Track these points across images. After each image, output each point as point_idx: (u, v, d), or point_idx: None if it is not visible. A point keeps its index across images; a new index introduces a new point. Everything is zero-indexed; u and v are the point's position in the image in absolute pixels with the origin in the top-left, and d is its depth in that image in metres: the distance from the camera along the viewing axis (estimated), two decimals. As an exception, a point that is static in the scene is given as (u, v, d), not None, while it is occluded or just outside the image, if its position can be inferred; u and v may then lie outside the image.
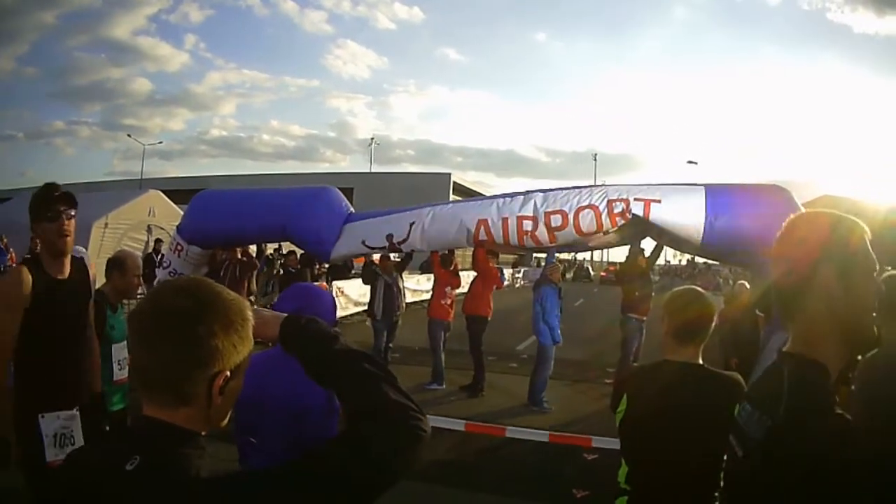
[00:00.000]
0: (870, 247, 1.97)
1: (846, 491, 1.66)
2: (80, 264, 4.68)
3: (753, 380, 2.42)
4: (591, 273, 77.37)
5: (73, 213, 4.37)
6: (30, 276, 4.19)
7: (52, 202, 4.28)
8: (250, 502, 1.59)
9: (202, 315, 1.68)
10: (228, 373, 1.74)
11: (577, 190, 10.54)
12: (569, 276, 63.28)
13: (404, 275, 14.33)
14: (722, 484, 2.33)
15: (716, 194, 9.84)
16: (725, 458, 2.21)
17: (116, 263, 5.87)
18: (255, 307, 2.13)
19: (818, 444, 1.70)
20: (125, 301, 6.20)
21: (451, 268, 13.64)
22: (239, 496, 1.60)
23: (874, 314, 1.98)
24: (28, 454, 4.07)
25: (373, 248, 11.50)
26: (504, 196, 11.10)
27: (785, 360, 2.03)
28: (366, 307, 15.06)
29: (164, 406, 1.69)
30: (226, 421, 1.89)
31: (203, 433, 1.78)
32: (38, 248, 17.02)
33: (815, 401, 1.84)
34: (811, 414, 1.79)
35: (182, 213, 16.86)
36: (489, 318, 13.33)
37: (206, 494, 1.58)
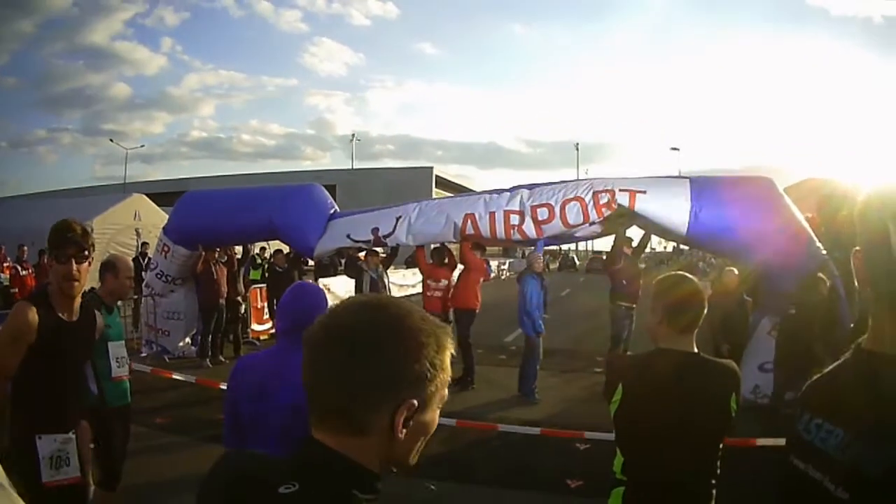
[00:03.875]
0: None
1: None
2: (88, 307, 4.65)
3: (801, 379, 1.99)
4: (577, 262, 77.39)
5: (85, 256, 4.30)
6: (37, 317, 4.14)
7: (63, 245, 4.24)
8: None
9: (386, 332, 1.46)
10: (416, 402, 1.46)
11: (563, 184, 10.66)
12: (553, 266, 63.26)
13: (389, 270, 14.31)
14: None
15: (700, 186, 10.00)
16: (809, 499, 1.69)
17: (109, 266, 5.92)
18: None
19: None
20: (119, 303, 6.29)
21: (445, 260, 13.59)
22: None
23: None
24: (25, 473, 4.08)
25: (357, 242, 11.59)
26: (491, 192, 11.21)
27: (890, 365, 1.57)
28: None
29: (335, 431, 1.47)
30: (413, 459, 1.56)
31: (378, 471, 1.51)
32: (26, 255, 16.97)
33: None
34: None
35: (167, 215, 16.90)
36: (477, 311, 13.28)
37: None
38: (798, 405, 1.82)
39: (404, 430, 1.45)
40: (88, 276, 4.45)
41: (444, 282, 13.37)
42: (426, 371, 1.45)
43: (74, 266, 4.24)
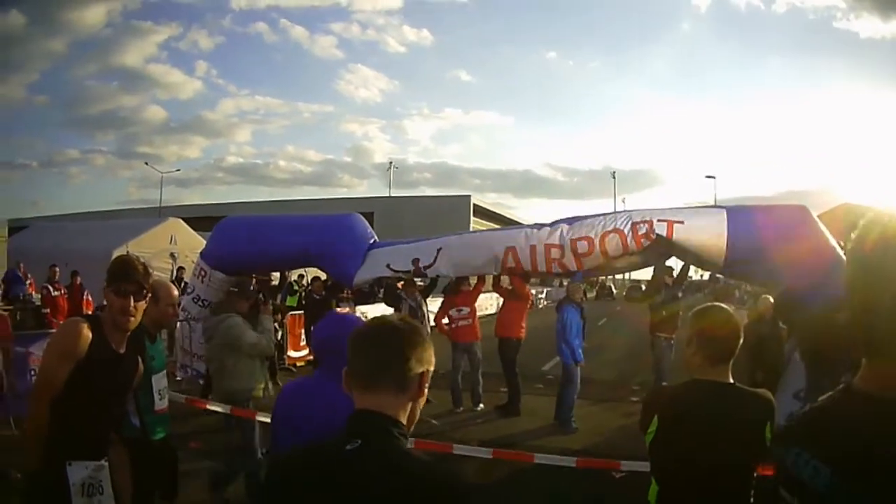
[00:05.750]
0: None
1: None
2: (137, 342, 4.70)
3: (796, 412, 1.98)
4: (614, 291, 77.14)
5: (144, 294, 4.38)
6: (90, 334, 4.16)
7: (124, 280, 4.29)
8: (448, 478, 2.05)
9: (422, 331, 2.30)
10: (430, 371, 2.29)
11: (601, 216, 10.64)
12: (591, 294, 62.97)
13: (428, 299, 14.33)
14: None
15: (737, 215, 9.89)
16: None
17: (150, 293, 5.90)
18: None
19: None
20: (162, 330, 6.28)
21: (461, 287, 13.70)
22: (439, 472, 2.06)
23: None
24: (56, 500, 4.10)
25: (397, 272, 11.53)
26: (532, 226, 11.21)
27: (877, 408, 1.56)
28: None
29: (384, 395, 2.17)
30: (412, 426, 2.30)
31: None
32: (58, 276, 17.00)
33: None
34: None
35: (203, 240, 16.94)
36: (522, 340, 13.43)
37: (415, 467, 2.05)
38: (785, 437, 1.85)
39: (424, 390, 2.26)
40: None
41: (465, 309, 13.49)
42: (433, 355, 2.31)
43: (132, 302, 4.28)
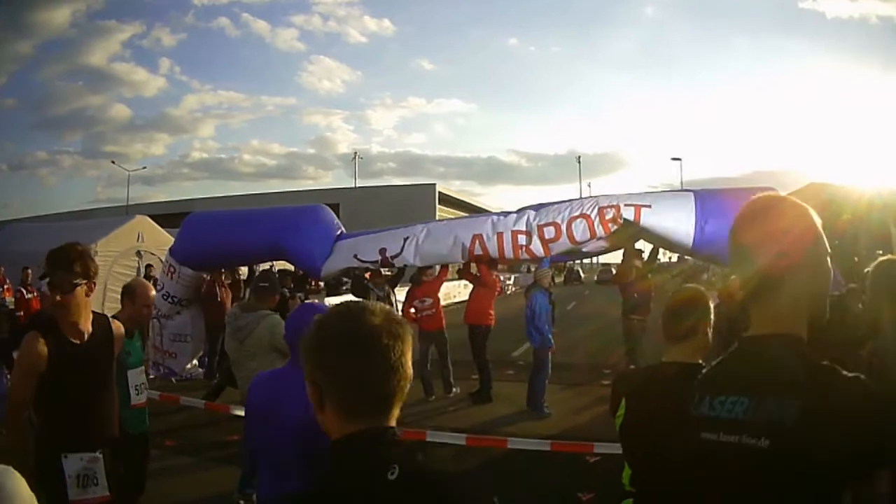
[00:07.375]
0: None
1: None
2: (103, 323, 4.66)
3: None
4: (582, 275, 77.31)
5: (70, 286, 4.26)
6: (45, 348, 4.16)
7: (50, 275, 4.27)
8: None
9: (407, 328, 1.93)
10: None
11: (568, 202, 10.71)
12: (559, 279, 63.14)
13: (396, 288, 14.34)
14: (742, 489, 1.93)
15: (705, 199, 9.99)
16: (728, 459, 1.92)
17: (128, 292, 5.94)
18: None
19: (862, 409, 1.70)
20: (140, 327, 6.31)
21: (428, 278, 13.76)
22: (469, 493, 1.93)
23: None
24: (54, 493, 4.12)
25: (365, 262, 11.54)
26: (499, 213, 11.28)
27: (768, 342, 2.02)
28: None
29: (392, 412, 1.90)
30: None
31: None
32: (31, 278, 16.86)
33: (835, 371, 1.80)
34: (841, 384, 1.77)
35: (170, 237, 16.86)
36: (492, 327, 13.49)
37: (457, 492, 1.89)
38: (695, 393, 2.14)
39: None
40: (90, 301, 4.46)
41: (428, 300, 13.55)
42: None
43: (58, 296, 4.26)
